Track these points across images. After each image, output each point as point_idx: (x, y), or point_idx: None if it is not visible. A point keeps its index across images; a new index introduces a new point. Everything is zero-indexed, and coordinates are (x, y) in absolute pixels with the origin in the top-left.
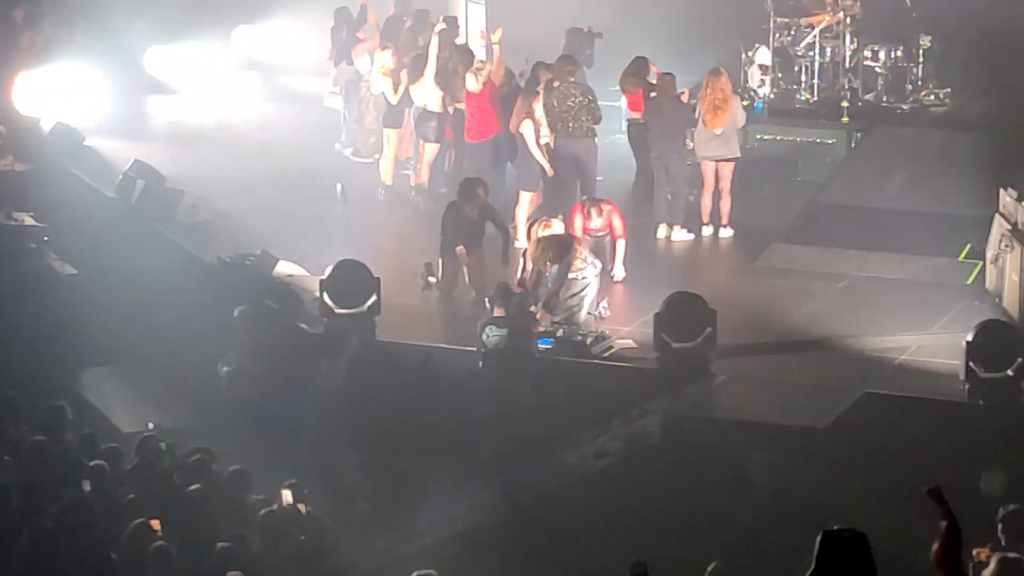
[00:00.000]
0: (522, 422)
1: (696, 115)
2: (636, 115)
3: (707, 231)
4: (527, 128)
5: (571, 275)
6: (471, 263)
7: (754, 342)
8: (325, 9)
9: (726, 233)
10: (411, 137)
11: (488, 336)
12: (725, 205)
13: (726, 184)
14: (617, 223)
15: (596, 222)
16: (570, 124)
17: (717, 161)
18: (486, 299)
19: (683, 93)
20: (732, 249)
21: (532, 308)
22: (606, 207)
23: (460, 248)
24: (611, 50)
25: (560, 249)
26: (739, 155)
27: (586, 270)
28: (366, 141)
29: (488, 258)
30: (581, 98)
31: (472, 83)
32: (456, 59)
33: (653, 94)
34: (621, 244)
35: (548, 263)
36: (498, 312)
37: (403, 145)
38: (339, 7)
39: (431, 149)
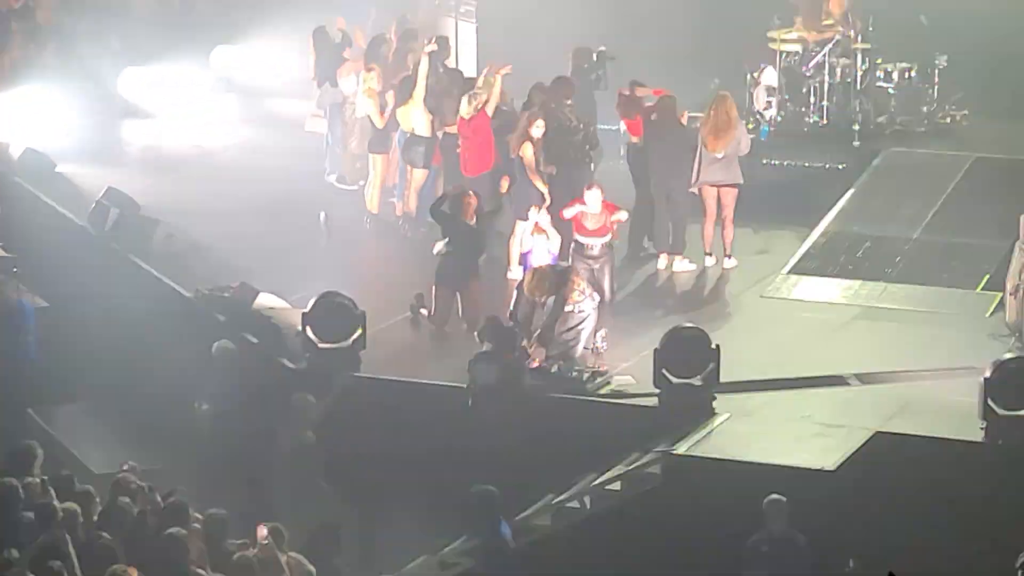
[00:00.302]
0: (515, 462)
1: (698, 139)
2: (636, 140)
3: (710, 261)
4: (527, 151)
5: (567, 308)
6: (465, 295)
7: (760, 378)
8: (307, 28)
9: (730, 263)
10: (398, 163)
11: (477, 373)
12: (728, 234)
13: (729, 212)
14: (616, 210)
15: (593, 196)
16: (570, 152)
17: (719, 187)
18: (476, 334)
19: (682, 115)
20: (736, 280)
21: (525, 343)
22: (604, 203)
23: (451, 289)
24: (609, 70)
25: (556, 280)
26: (741, 181)
27: (583, 303)
28: (351, 167)
29: (484, 290)
30: (576, 123)
31: (465, 108)
32: (447, 81)
33: (654, 116)
34: (623, 212)
35: (543, 295)
36: (488, 347)
37: (390, 171)
38: (317, 28)
39: (419, 176)
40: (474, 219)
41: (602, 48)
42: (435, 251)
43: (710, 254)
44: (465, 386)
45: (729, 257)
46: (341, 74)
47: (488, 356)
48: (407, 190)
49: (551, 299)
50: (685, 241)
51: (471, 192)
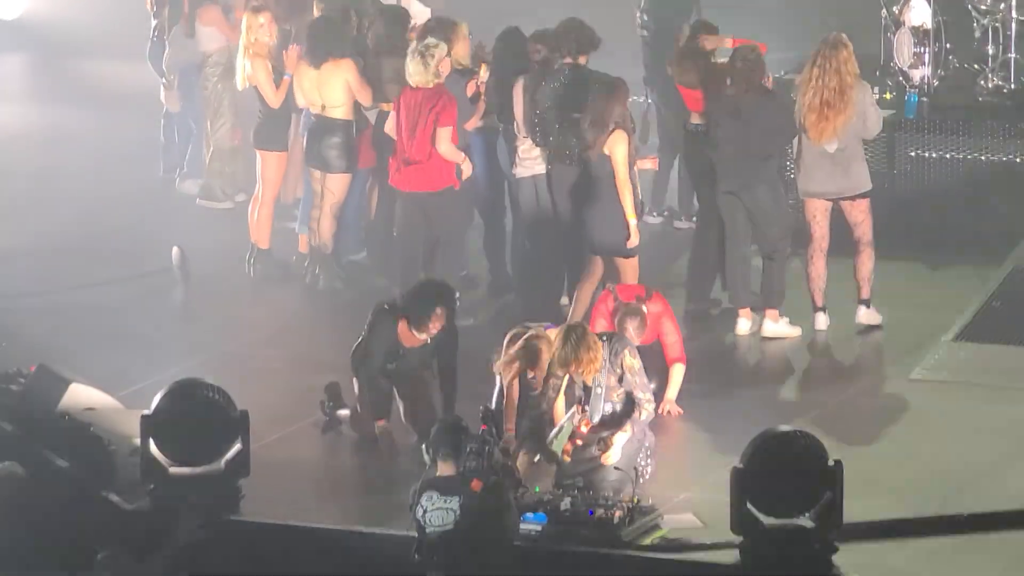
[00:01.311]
0: None
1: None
2: (698, 121)
3: (822, 320)
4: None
5: (608, 406)
6: (410, 391)
7: (907, 516)
8: None
9: (869, 317)
10: (302, 166)
11: (426, 511)
12: (865, 268)
13: (864, 232)
14: (671, 334)
15: (634, 329)
16: (572, 139)
17: (836, 201)
18: (423, 446)
19: (767, 79)
20: (870, 350)
21: (511, 457)
22: (653, 307)
23: (382, 423)
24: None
25: (565, 348)
26: (869, 186)
27: (617, 391)
28: (220, 171)
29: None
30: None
31: (419, 72)
32: (382, 30)
33: (730, 83)
34: (678, 371)
35: (530, 368)
36: (444, 469)
37: (289, 180)
38: None
39: (336, 185)
40: (427, 340)
41: None
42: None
43: (822, 308)
44: (412, 532)
45: (867, 306)
46: (203, 21)
47: (444, 483)
48: (316, 210)
49: (553, 380)
50: (783, 290)
51: (449, 293)
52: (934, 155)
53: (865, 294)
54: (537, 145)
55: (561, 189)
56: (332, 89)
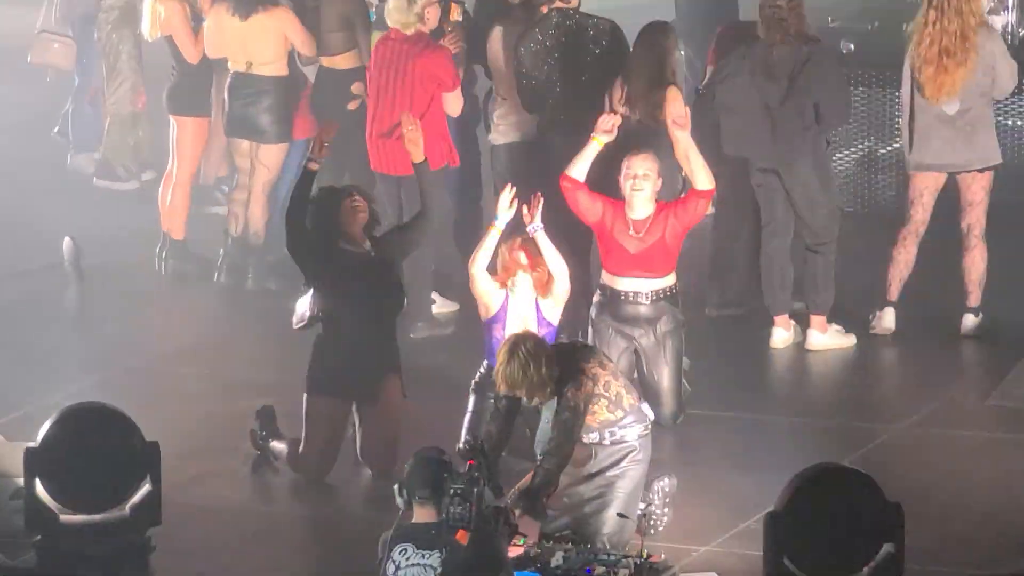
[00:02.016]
0: None
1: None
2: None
3: (890, 318)
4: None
5: (588, 434)
6: (371, 415)
7: (983, 574)
8: None
9: (972, 325)
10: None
11: (399, 568)
12: (974, 270)
13: (976, 220)
14: (698, 170)
15: (641, 190)
16: (575, 103)
17: (954, 174)
18: (395, 486)
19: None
20: (942, 363)
21: (496, 503)
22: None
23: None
24: None
25: (564, 367)
26: (999, 160)
27: (622, 422)
28: (119, 144)
29: (411, 396)
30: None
31: (400, 11)
32: None
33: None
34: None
35: (533, 395)
36: (420, 515)
37: (210, 154)
38: None
39: (268, 159)
40: (366, 245)
41: None
42: (296, 321)
43: (893, 304)
44: None
45: (975, 315)
46: None
47: (423, 533)
48: (242, 191)
49: (545, 410)
50: (831, 291)
51: (359, 189)
52: (1019, 122)
53: (975, 300)
54: (527, 110)
55: (560, 164)
56: (262, 43)
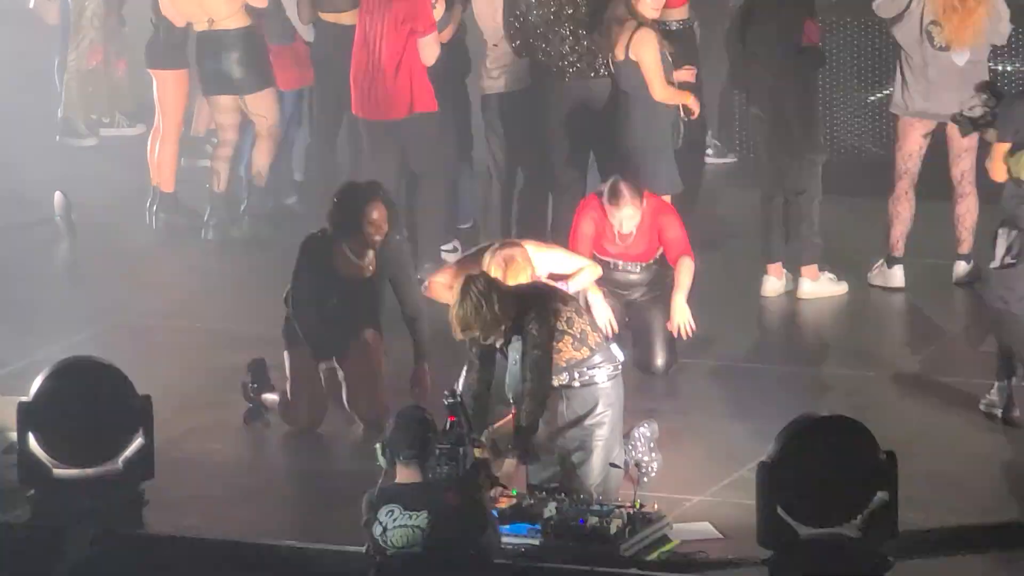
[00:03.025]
0: None
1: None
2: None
3: (899, 275)
4: None
5: (560, 376)
6: (353, 364)
7: (983, 522)
8: None
9: (967, 274)
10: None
11: (386, 530)
12: (968, 217)
13: (967, 168)
14: (672, 228)
15: (628, 215)
16: (568, 46)
17: (944, 123)
18: (377, 445)
19: None
20: (930, 318)
21: (481, 452)
22: (649, 200)
23: (326, 363)
24: None
25: (525, 304)
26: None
27: (593, 359)
28: (79, 98)
29: (395, 349)
30: None
31: None
32: None
33: None
34: (687, 266)
35: (488, 334)
36: (404, 475)
37: (203, 106)
38: None
39: (262, 106)
40: (368, 256)
41: None
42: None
43: (899, 260)
44: (363, 550)
45: (967, 260)
46: None
47: (409, 494)
48: (224, 148)
49: (512, 351)
50: (818, 237)
51: (383, 192)
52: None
53: (967, 247)
54: (518, 55)
55: (557, 111)
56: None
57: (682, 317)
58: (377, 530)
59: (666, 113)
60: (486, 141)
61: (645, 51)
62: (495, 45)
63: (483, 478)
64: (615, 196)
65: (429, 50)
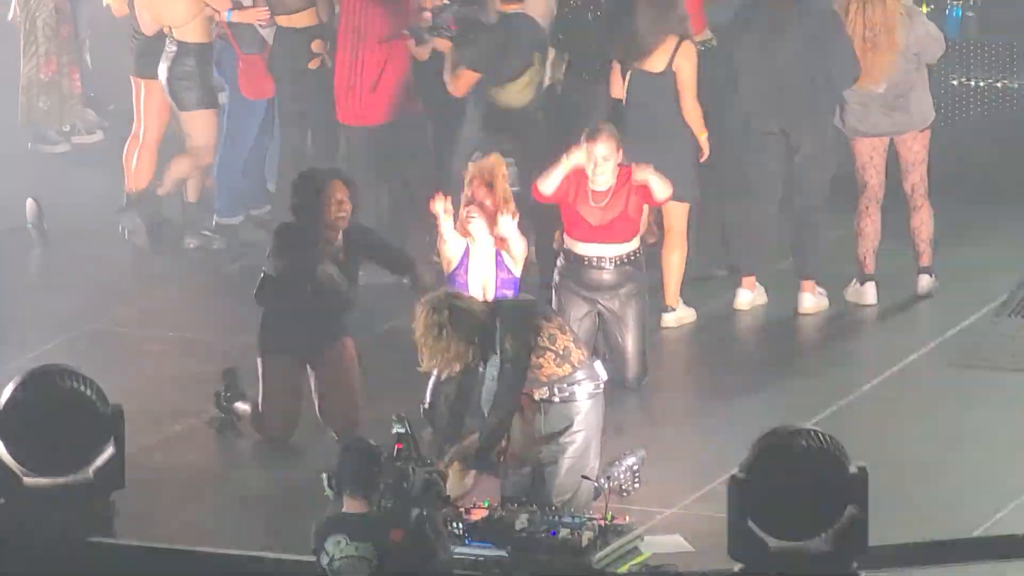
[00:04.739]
0: None
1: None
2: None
3: (871, 293)
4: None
5: (538, 392)
6: (326, 374)
7: (949, 537)
8: None
9: (927, 285)
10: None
11: (333, 559)
12: (924, 226)
13: (918, 179)
14: (657, 183)
15: (602, 158)
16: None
17: (891, 136)
18: (323, 475)
19: None
20: (901, 331)
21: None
22: (638, 173)
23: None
24: None
25: (503, 320)
26: (932, 116)
27: (574, 380)
28: (33, 109)
29: (369, 355)
30: None
31: None
32: None
33: None
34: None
35: (446, 351)
36: (351, 505)
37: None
38: None
39: (193, 126)
40: (337, 244)
41: None
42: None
43: (872, 277)
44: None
45: (930, 275)
46: None
47: (355, 524)
48: (191, 156)
49: (490, 367)
50: (818, 253)
51: (346, 178)
52: (982, 83)
53: (927, 259)
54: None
55: (575, 112)
56: (169, 5)
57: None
58: (324, 560)
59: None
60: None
61: (688, 63)
62: None
63: (434, 498)
64: (593, 132)
65: (423, 47)
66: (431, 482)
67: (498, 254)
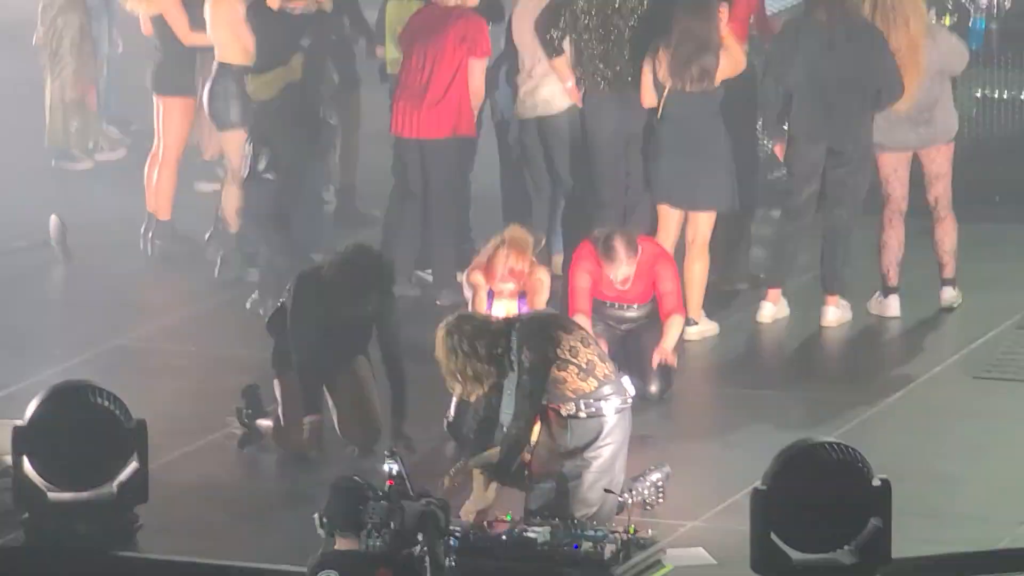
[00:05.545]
0: None
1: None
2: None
3: (895, 305)
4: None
5: (566, 408)
6: (343, 391)
7: (974, 549)
8: None
9: (951, 298)
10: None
11: None
12: (946, 241)
13: (943, 192)
14: (668, 281)
15: (622, 271)
16: (615, 65)
17: (916, 150)
18: (315, 516)
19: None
20: (924, 343)
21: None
22: (646, 249)
23: (312, 417)
24: None
25: (508, 340)
26: (956, 129)
27: (601, 396)
28: (64, 129)
29: (381, 377)
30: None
31: None
32: None
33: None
34: (676, 322)
35: (468, 373)
36: (343, 543)
37: (205, 135)
38: None
39: (228, 144)
40: (367, 300)
41: None
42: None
43: (896, 289)
44: None
45: (953, 287)
46: None
47: (346, 562)
48: (228, 182)
49: (508, 382)
50: (842, 267)
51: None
52: (1006, 95)
53: (950, 272)
54: (580, 77)
55: (604, 129)
56: (219, 28)
57: (669, 358)
58: None
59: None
60: (527, 163)
61: (730, 73)
62: (531, 69)
63: (433, 530)
64: (609, 253)
65: (481, 73)
66: (428, 514)
67: (521, 296)
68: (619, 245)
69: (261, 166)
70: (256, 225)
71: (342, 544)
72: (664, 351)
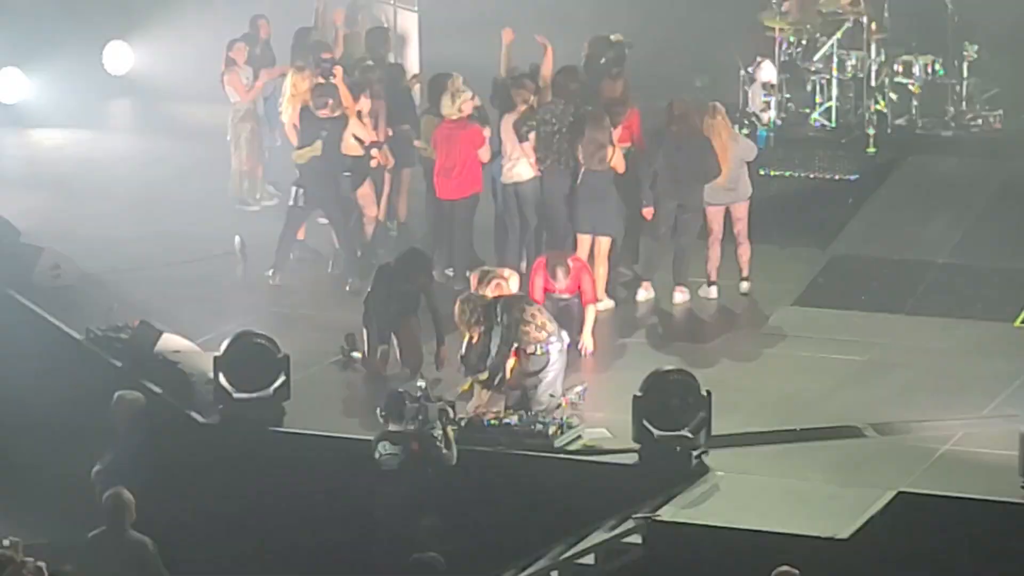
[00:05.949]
0: (465, 532)
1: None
2: (626, 145)
3: (714, 291)
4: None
5: (528, 349)
6: (403, 336)
7: (759, 430)
8: (223, 18)
9: (747, 286)
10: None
11: (381, 454)
12: (744, 255)
13: (742, 228)
14: (587, 284)
15: (561, 282)
16: (561, 151)
17: (728, 205)
18: (377, 410)
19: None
20: (730, 314)
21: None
22: (574, 264)
23: (383, 345)
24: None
25: (495, 309)
26: (751, 191)
27: (549, 342)
28: (239, 187)
29: (427, 326)
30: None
31: (449, 106)
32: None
33: (674, 126)
34: (592, 311)
35: (473, 326)
36: (392, 425)
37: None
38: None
39: (363, 196)
40: (416, 286)
41: (619, 37)
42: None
43: (716, 283)
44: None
45: (748, 281)
46: (230, 81)
47: (393, 437)
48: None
49: (499, 337)
50: (687, 268)
51: (430, 263)
52: (775, 173)
53: (746, 272)
54: (539, 159)
55: (562, 190)
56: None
57: (588, 343)
58: (376, 454)
59: (616, 198)
60: (506, 213)
61: (620, 164)
62: (510, 153)
63: (446, 421)
64: (553, 271)
65: (486, 152)
66: (443, 411)
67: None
68: (559, 266)
69: (300, 202)
70: (290, 237)
71: (391, 426)
72: (584, 344)
